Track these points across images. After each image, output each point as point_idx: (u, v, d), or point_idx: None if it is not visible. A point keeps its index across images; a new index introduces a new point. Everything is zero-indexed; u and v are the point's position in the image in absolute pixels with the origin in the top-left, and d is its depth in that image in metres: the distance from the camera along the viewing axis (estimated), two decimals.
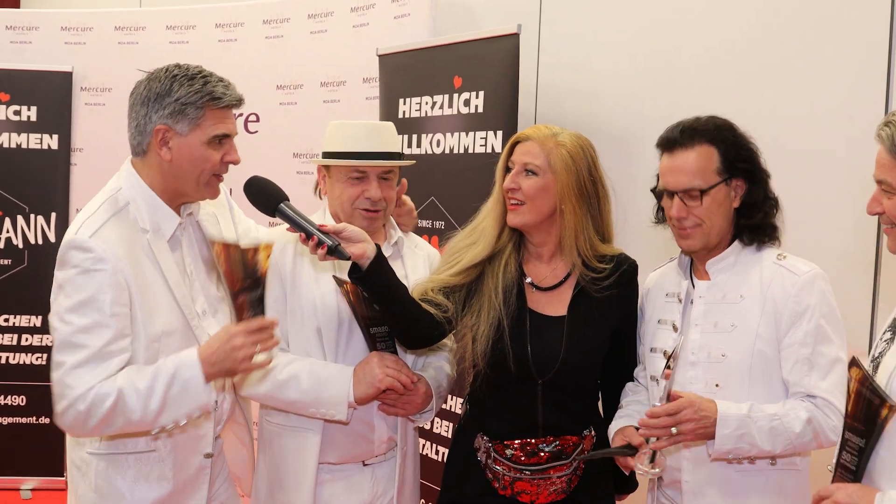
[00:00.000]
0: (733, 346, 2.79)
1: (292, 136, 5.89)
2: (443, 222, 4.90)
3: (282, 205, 2.93)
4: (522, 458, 3.00)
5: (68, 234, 2.81)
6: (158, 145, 2.88)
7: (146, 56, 6.22)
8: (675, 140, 2.83)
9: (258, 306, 2.81)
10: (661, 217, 2.97)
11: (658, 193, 2.93)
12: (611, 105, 4.74)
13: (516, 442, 3.00)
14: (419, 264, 3.36)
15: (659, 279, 3.09)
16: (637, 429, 2.78)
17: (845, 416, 2.30)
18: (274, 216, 2.96)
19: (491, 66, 4.66)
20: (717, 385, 2.79)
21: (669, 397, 2.68)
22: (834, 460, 2.33)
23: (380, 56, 5.31)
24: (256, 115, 6.09)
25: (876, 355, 2.37)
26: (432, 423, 4.94)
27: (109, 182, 2.99)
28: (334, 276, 3.11)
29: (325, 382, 3.07)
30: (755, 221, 2.86)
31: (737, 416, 2.65)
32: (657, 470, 2.75)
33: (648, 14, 4.63)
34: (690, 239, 2.83)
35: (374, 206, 3.15)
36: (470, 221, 3.17)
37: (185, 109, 2.85)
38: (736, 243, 2.87)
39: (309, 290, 3.15)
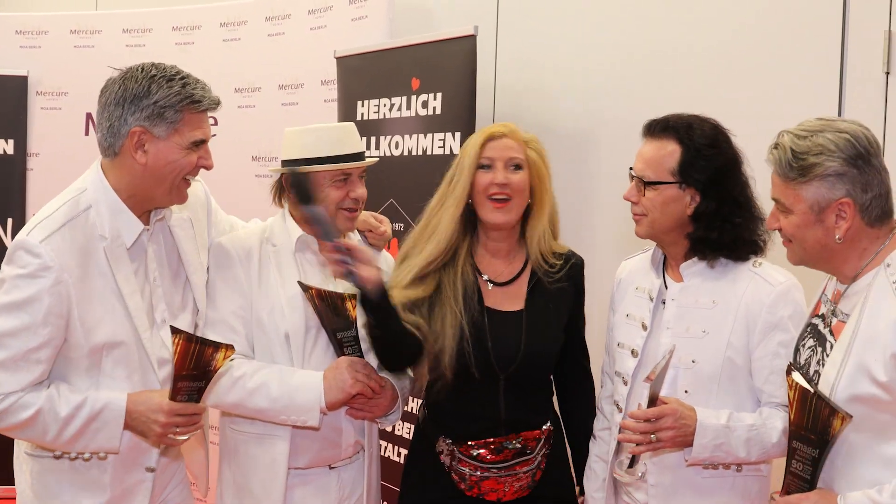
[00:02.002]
0: (704, 353, 2.78)
1: (251, 139, 5.85)
2: (402, 224, 4.89)
3: (318, 207, 2.96)
4: (489, 457, 3.00)
5: (21, 234, 2.77)
6: (133, 148, 2.82)
7: (102, 60, 6.13)
8: (651, 127, 2.88)
9: (195, 395, 2.79)
10: None
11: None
12: (568, 105, 4.76)
13: (481, 441, 3.00)
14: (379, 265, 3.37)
15: (631, 270, 3.09)
16: None
17: (789, 424, 2.33)
18: (307, 207, 2.99)
19: (448, 68, 4.66)
20: (685, 391, 2.79)
21: (654, 402, 2.67)
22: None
23: (338, 58, 5.30)
24: (214, 118, 5.93)
25: (802, 363, 2.41)
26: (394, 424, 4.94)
27: (76, 181, 2.94)
28: (299, 282, 3.09)
29: (296, 389, 3.03)
30: (707, 235, 2.81)
31: (714, 427, 2.66)
32: (638, 475, 2.81)
33: (605, 14, 4.66)
34: (638, 225, 2.88)
35: (356, 204, 3.17)
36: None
37: (164, 112, 2.80)
38: (692, 264, 2.85)
39: (276, 297, 3.12)
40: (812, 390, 2.26)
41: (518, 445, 3.01)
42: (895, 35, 3.65)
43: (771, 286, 2.74)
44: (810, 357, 2.39)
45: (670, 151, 2.81)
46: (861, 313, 2.21)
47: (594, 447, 3.14)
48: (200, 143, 2.90)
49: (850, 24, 3.79)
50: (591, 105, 4.65)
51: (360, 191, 3.18)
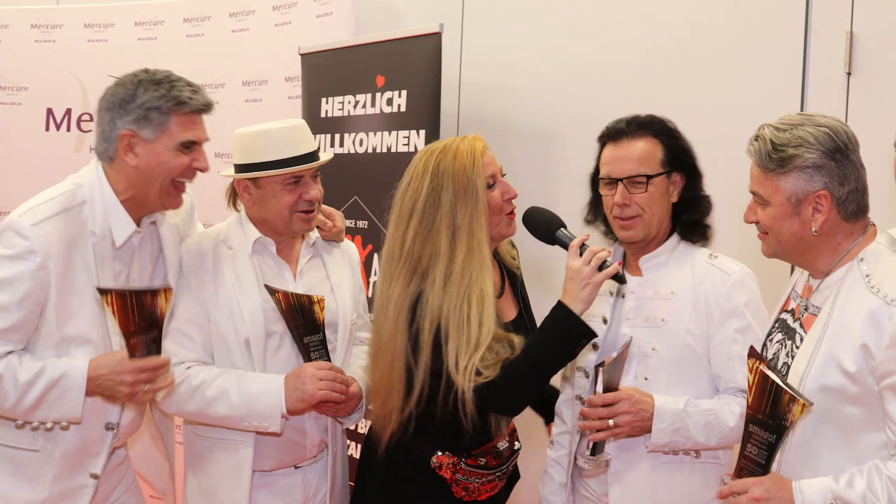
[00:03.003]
0: (663, 341, 2.86)
1: (214, 135, 5.71)
2: (366, 222, 4.88)
3: (559, 232, 2.85)
4: (493, 463, 2.98)
5: (13, 215, 2.80)
6: (124, 151, 2.86)
7: (63, 55, 6.12)
8: (622, 130, 2.92)
9: (153, 347, 2.79)
10: (593, 215, 3.04)
11: (594, 183, 3.03)
12: (532, 103, 4.76)
13: (479, 450, 2.95)
14: (339, 261, 3.34)
15: None
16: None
17: (747, 408, 2.37)
18: (553, 244, 2.87)
19: (413, 65, 4.65)
20: (646, 378, 2.87)
21: (610, 390, 2.76)
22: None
23: (302, 55, 5.27)
24: None
25: (770, 357, 2.43)
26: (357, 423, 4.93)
27: (72, 176, 2.97)
28: (266, 286, 3.06)
29: (256, 396, 3.00)
30: (693, 217, 2.96)
31: (672, 411, 2.76)
32: (602, 463, 2.85)
33: (569, 13, 4.67)
34: (632, 230, 2.90)
35: (312, 206, 3.13)
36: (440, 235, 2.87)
37: (150, 115, 2.83)
38: (673, 238, 2.96)
39: (233, 301, 3.08)
40: (772, 377, 2.28)
41: (509, 442, 3.03)
42: (857, 36, 3.67)
43: (727, 275, 2.85)
44: (778, 351, 2.42)
45: (653, 145, 2.92)
46: (833, 306, 2.24)
47: (551, 452, 3.18)
48: (191, 145, 2.91)
49: (812, 26, 3.82)
50: (555, 103, 4.66)
51: (314, 192, 3.13)
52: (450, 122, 4.98)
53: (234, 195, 3.24)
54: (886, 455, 2.14)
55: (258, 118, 3.27)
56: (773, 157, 2.29)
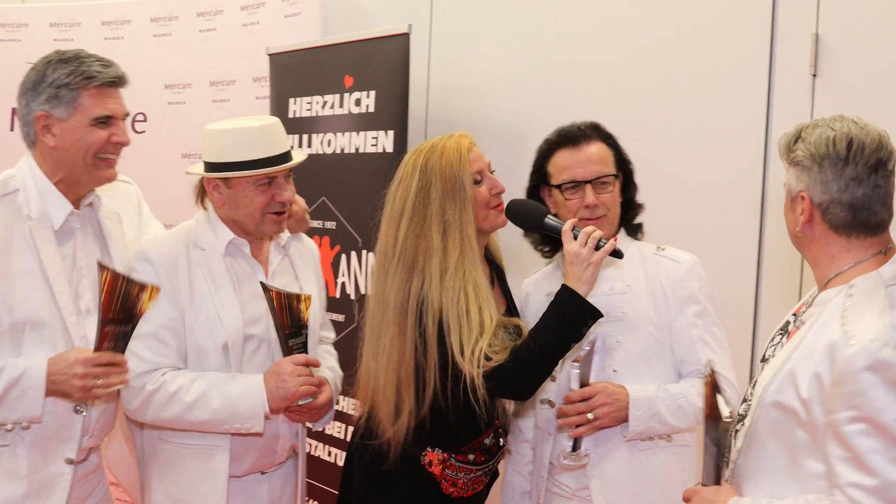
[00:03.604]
0: (627, 333, 2.94)
1: (181, 136, 5.77)
2: (334, 223, 4.87)
3: (546, 219, 2.87)
4: (481, 458, 2.99)
5: None
6: (42, 133, 2.84)
7: (28, 54, 6.03)
8: (581, 135, 2.99)
9: (120, 342, 2.76)
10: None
11: (535, 190, 3.07)
12: (500, 104, 4.77)
13: (467, 446, 2.96)
14: (307, 263, 3.32)
15: (539, 281, 3.21)
16: None
17: (704, 416, 2.41)
18: (542, 231, 2.90)
19: (382, 66, 4.64)
20: (614, 371, 2.94)
21: (584, 386, 2.83)
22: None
23: (270, 55, 5.25)
24: (144, 114, 5.96)
25: (765, 356, 2.43)
26: None
27: (7, 170, 2.95)
28: (262, 283, 3.03)
29: (238, 397, 2.95)
30: (635, 215, 3.09)
31: (646, 398, 2.85)
32: (583, 458, 2.87)
33: (538, 15, 4.67)
34: (602, 228, 2.91)
35: (284, 207, 3.08)
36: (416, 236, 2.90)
37: (60, 93, 2.81)
38: (621, 235, 3.03)
39: (209, 305, 3.01)
40: (714, 384, 2.33)
41: (493, 440, 3.03)
42: (822, 38, 3.70)
43: (679, 264, 2.97)
44: (773, 352, 2.41)
45: (606, 148, 3.02)
46: (811, 326, 2.20)
47: (509, 463, 3.19)
48: (107, 120, 2.87)
49: (778, 27, 3.84)
50: (523, 105, 4.66)
51: (287, 193, 3.07)
52: (418, 124, 4.98)
53: (202, 193, 3.16)
54: (824, 486, 2.11)
55: (226, 119, 3.17)
56: (789, 147, 2.26)
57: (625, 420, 2.84)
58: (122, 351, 2.78)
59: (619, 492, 2.92)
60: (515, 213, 2.91)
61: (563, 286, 2.73)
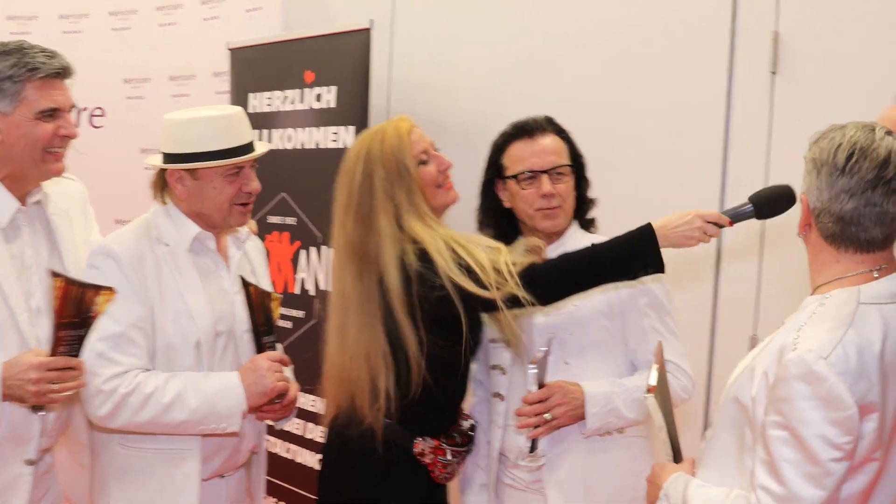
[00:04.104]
0: (579, 325, 2.93)
1: (140, 131, 5.73)
2: (294, 219, 4.84)
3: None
4: (464, 440, 3.01)
5: None
6: None
7: None
8: (536, 127, 3.01)
9: (76, 346, 2.68)
10: (493, 218, 3.08)
11: (490, 185, 3.05)
12: (463, 102, 4.76)
13: (452, 428, 2.98)
14: (260, 257, 3.27)
15: None
16: None
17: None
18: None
19: (343, 61, 4.63)
20: (566, 363, 2.94)
21: (541, 386, 2.82)
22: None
23: (230, 50, 5.22)
24: (102, 109, 5.93)
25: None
26: None
27: None
28: (242, 278, 2.99)
29: (215, 395, 2.85)
30: (588, 209, 3.11)
31: (602, 394, 2.85)
32: (542, 460, 2.88)
33: (499, 12, 4.67)
34: (556, 219, 2.97)
35: (251, 198, 3.01)
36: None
37: (3, 86, 2.74)
38: (573, 227, 3.05)
39: (179, 302, 2.91)
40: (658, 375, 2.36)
41: (468, 423, 3.05)
42: (782, 36, 3.72)
43: None
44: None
45: (561, 141, 3.03)
46: (782, 328, 2.18)
47: (472, 454, 3.16)
48: (53, 112, 2.81)
49: (738, 25, 3.85)
50: (485, 103, 4.65)
51: (255, 183, 3.00)
52: (379, 120, 4.94)
53: (162, 186, 3.03)
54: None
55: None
56: (809, 146, 2.20)
57: (582, 418, 2.84)
58: (78, 354, 2.71)
59: (572, 485, 2.92)
60: (770, 207, 2.74)
61: (650, 225, 2.68)
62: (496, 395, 3.05)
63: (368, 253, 2.79)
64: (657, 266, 2.67)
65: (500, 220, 3.08)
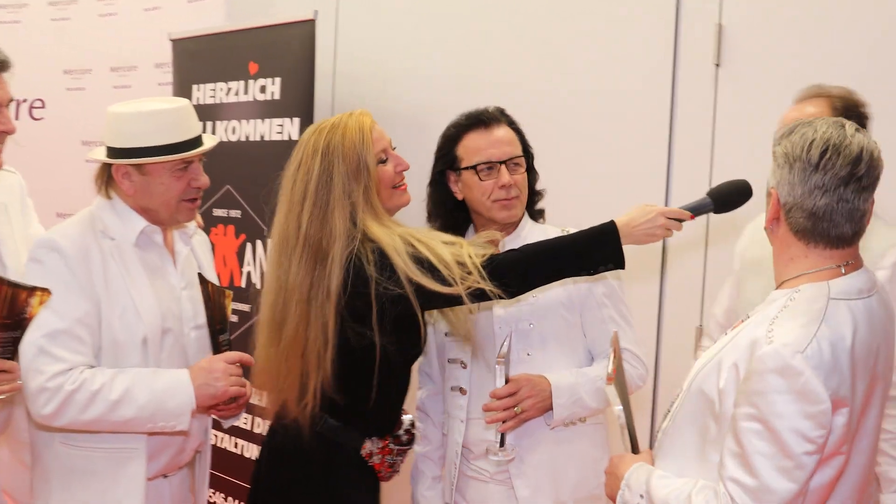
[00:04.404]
0: (538, 316, 2.95)
1: (81, 122, 5.66)
2: (239, 211, 4.81)
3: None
4: (408, 437, 2.99)
5: None
6: None
7: None
8: (491, 118, 2.99)
9: (9, 348, 2.56)
10: (442, 210, 3.06)
11: (441, 176, 3.04)
12: (408, 93, 4.74)
13: (397, 426, 2.96)
14: (206, 252, 3.21)
15: None
16: None
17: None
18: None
19: (287, 53, 4.60)
20: (528, 354, 2.95)
21: (507, 381, 2.83)
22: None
23: (172, 41, 5.16)
24: (42, 100, 5.85)
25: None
26: None
27: None
28: (199, 275, 2.94)
29: (164, 393, 2.77)
30: (537, 200, 3.13)
31: (567, 385, 2.88)
32: (512, 454, 2.88)
33: (445, 4, 4.66)
34: (513, 209, 2.96)
35: (199, 193, 2.94)
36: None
37: None
38: (525, 219, 3.05)
39: (125, 299, 2.82)
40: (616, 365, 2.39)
41: (409, 418, 3.03)
42: (726, 28, 3.75)
43: None
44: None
45: (512, 132, 3.02)
46: (749, 322, 2.19)
47: (419, 448, 3.17)
48: None
49: (682, 17, 3.88)
50: (430, 94, 4.65)
51: (204, 178, 2.92)
52: (324, 111, 4.93)
53: (107, 180, 2.93)
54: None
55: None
56: (775, 141, 2.20)
57: (548, 409, 2.87)
58: (12, 357, 2.62)
59: (539, 475, 2.95)
60: (728, 202, 2.78)
61: (613, 222, 2.69)
62: (456, 389, 3.03)
63: (322, 249, 2.73)
64: (618, 262, 2.68)
65: (451, 212, 3.06)
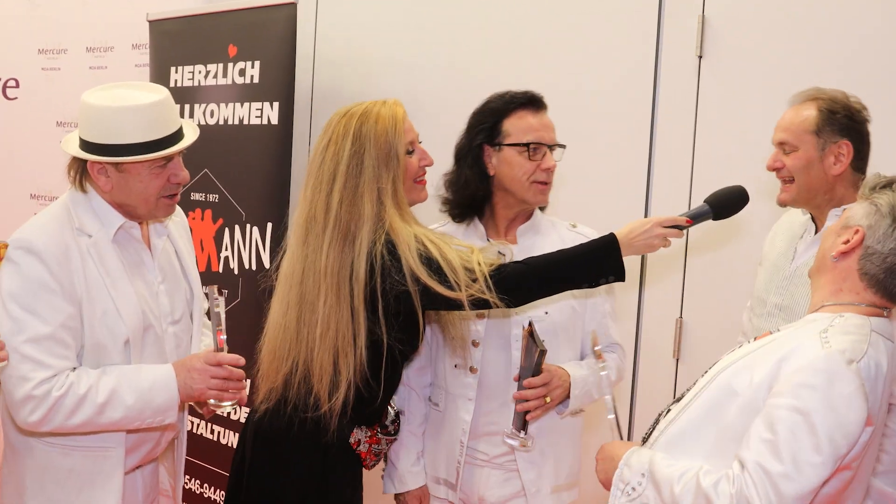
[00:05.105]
0: (552, 304, 3.00)
1: (56, 103, 5.61)
2: (217, 195, 4.76)
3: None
4: (393, 427, 3.03)
5: None
6: None
7: None
8: (542, 102, 3.05)
9: None
10: (474, 188, 3.03)
11: (479, 145, 3.02)
12: (388, 78, 4.72)
13: (384, 414, 2.99)
14: (184, 234, 3.15)
15: (453, 233, 3.10)
16: None
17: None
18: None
19: (267, 36, 4.56)
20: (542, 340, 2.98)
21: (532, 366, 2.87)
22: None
23: (150, 21, 5.10)
24: (16, 80, 5.78)
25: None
26: None
27: None
28: (216, 288, 2.85)
29: (151, 390, 2.73)
30: None
31: (581, 377, 2.97)
32: (531, 441, 2.91)
33: None
34: (546, 194, 3.02)
35: (179, 188, 2.85)
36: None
37: None
38: (537, 210, 3.10)
39: (106, 300, 2.75)
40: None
41: (393, 409, 3.06)
42: (709, 20, 3.75)
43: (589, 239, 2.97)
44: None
45: None
46: (787, 332, 2.29)
47: (406, 423, 3.15)
48: None
49: (665, 9, 3.88)
50: (410, 79, 4.62)
51: (184, 173, 2.83)
52: (304, 96, 4.90)
53: (81, 173, 2.82)
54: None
55: (103, 86, 2.86)
56: (876, 188, 2.32)
57: (565, 399, 2.94)
58: None
59: (545, 461, 3.04)
60: (726, 208, 2.85)
61: (614, 235, 2.74)
62: (463, 368, 3.05)
63: (350, 231, 2.74)
64: (619, 275, 2.74)
65: (479, 188, 3.04)
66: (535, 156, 2.96)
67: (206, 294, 2.89)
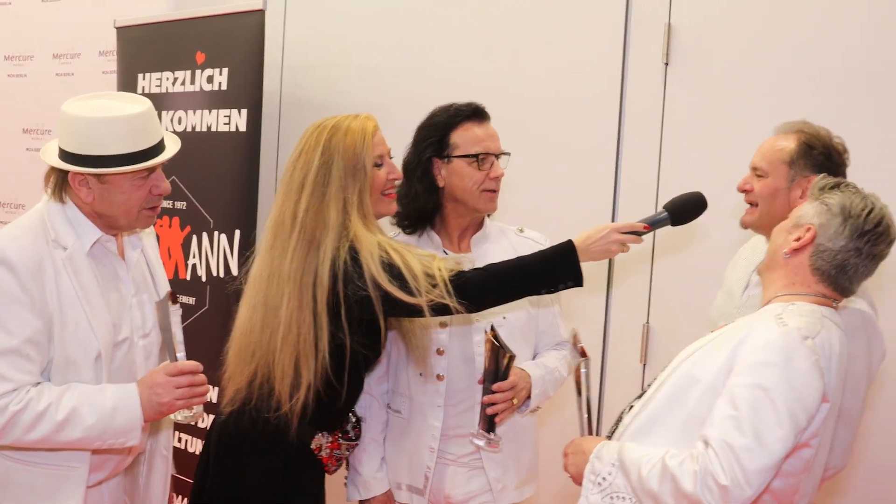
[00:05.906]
0: (510, 309, 3.07)
1: (22, 110, 5.56)
2: (185, 203, 4.75)
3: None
4: (355, 432, 3.07)
5: None
6: None
7: None
8: (485, 113, 3.10)
9: None
10: (420, 197, 3.07)
11: (429, 158, 3.05)
12: (355, 85, 4.73)
13: (346, 419, 3.03)
14: (155, 246, 3.13)
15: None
16: None
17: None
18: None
19: (235, 43, 4.55)
20: None
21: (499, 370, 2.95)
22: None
23: (118, 28, 5.08)
24: None
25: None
26: None
27: None
28: (172, 292, 2.84)
29: (113, 411, 2.68)
30: None
31: (539, 377, 3.08)
32: (500, 441, 2.98)
33: None
34: (495, 202, 3.08)
35: (161, 200, 2.83)
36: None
37: None
38: (487, 218, 3.18)
39: (79, 316, 2.71)
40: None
41: (354, 415, 3.10)
42: (675, 28, 3.78)
43: (539, 244, 3.15)
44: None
45: None
46: (741, 322, 2.39)
47: (367, 430, 3.17)
48: None
49: (632, 16, 3.91)
50: (377, 86, 4.63)
51: (165, 185, 2.81)
52: (272, 103, 4.90)
53: (61, 184, 2.77)
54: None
55: (70, 93, 2.85)
56: (825, 189, 2.43)
57: (527, 399, 3.04)
58: None
59: (508, 458, 3.13)
60: (684, 214, 2.89)
61: (571, 241, 2.78)
62: (430, 376, 3.10)
63: (315, 238, 2.79)
64: (577, 280, 2.78)
65: (429, 200, 3.10)
66: (484, 165, 3.04)
67: (157, 305, 2.86)
